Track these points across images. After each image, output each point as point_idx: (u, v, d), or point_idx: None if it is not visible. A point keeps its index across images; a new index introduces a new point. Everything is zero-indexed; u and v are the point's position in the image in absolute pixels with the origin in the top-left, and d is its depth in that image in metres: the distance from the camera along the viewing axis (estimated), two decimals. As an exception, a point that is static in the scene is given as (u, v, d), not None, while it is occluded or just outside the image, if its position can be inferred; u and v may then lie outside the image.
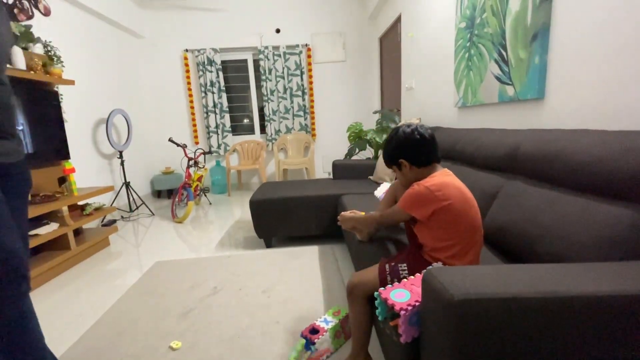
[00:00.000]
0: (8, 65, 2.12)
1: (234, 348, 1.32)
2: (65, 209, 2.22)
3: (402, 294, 0.83)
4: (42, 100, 2.39)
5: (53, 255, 2.13)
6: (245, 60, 4.61)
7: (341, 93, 4.62)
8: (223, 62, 4.51)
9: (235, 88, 4.72)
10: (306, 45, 4.41)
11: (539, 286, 0.63)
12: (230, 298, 1.71)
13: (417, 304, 0.79)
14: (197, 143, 4.63)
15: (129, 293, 1.82)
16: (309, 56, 4.44)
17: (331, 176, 2.92)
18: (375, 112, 3.48)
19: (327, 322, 1.31)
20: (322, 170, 4.73)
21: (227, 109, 4.54)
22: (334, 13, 4.44)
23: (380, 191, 1.56)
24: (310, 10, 4.41)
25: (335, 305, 1.56)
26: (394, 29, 3.60)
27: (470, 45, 1.94)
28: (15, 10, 2.42)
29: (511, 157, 1.32)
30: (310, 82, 4.52)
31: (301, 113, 4.54)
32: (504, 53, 1.61)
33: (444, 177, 1.02)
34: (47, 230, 2.07)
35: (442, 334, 0.67)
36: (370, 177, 2.74)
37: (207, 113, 4.48)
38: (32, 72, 2.28)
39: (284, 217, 2.29)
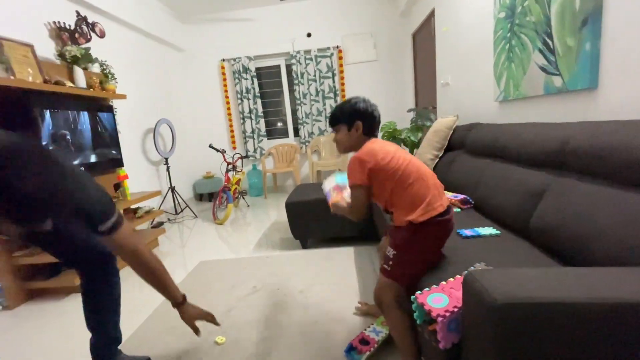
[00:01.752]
0: (70, 83, 2.36)
1: (275, 346, 1.37)
2: (121, 212, 2.43)
3: (440, 299, 0.81)
4: (100, 115, 2.64)
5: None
6: (278, 66, 4.73)
7: (374, 93, 4.57)
8: (257, 69, 4.67)
9: (269, 93, 4.86)
10: (337, 47, 4.43)
11: (590, 291, 0.59)
12: (269, 297, 1.76)
13: (455, 310, 0.76)
14: (234, 148, 4.83)
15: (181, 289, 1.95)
16: (340, 58, 4.46)
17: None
18: (409, 111, 3.40)
19: (376, 332, 1.29)
20: (355, 171, 4.71)
21: (262, 114, 4.69)
22: (363, 13, 4.42)
23: (328, 186, 1.48)
24: (340, 13, 4.43)
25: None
26: (428, 24, 3.50)
27: (511, 36, 1.83)
28: (76, 35, 2.70)
29: (559, 152, 1.23)
30: (342, 84, 4.53)
31: (334, 115, 4.55)
32: (550, 42, 1.51)
33: (372, 144, 1.14)
34: (106, 232, 2.27)
35: (484, 339, 0.64)
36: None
37: (243, 119, 4.66)
38: (91, 89, 2.53)
39: (319, 219, 2.32)
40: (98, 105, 2.65)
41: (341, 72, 4.49)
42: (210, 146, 3.76)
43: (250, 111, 4.62)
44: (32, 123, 2.02)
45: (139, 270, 1.10)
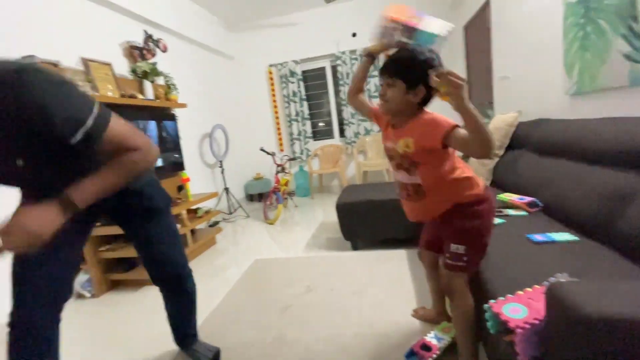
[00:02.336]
0: (141, 96, 2.62)
1: (332, 346, 1.39)
2: (184, 212, 2.64)
3: (518, 310, 0.77)
4: (165, 123, 2.89)
5: (176, 251, 2.54)
6: (324, 68, 4.78)
7: (422, 90, 4.42)
8: (303, 72, 4.76)
9: (315, 95, 4.94)
10: (383, 45, 4.35)
11: None
12: (323, 297, 1.80)
13: (536, 322, 0.72)
14: (282, 150, 4.98)
15: (236, 287, 2.07)
16: (386, 56, 4.37)
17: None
18: (462, 108, 3.23)
19: (438, 339, 1.26)
20: (403, 171, 4.60)
21: (308, 117, 4.77)
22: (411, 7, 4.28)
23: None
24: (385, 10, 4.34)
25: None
26: (482, 15, 3.30)
27: (586, 22, 1.66)
28: (144, 52, 2.98)
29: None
30: (389, 82, 4.44)
31: (380, 114, 4.49)
32: (636, 26, 1.34)
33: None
34: (172, 230, 2.48)
35: (572, 356, 0.60)
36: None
37: (290, 122, 4.79)
38: (158, 100, 2.78)
39: (369, 220, 2.31)
40: (163, 114, 2.91)
41: (387, 70, 4.41)
42: (261, 149, 3.92)
43: (297, 114, 4.73)
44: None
45: (111, 162, 0.81)
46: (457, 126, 0.94)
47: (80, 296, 2.21)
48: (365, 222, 2.32)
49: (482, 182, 1.09)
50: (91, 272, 2.19)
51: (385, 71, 1.03)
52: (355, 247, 2.45)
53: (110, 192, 0.81)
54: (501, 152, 2.21)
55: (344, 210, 2.34)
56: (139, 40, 2.98)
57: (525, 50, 2.41)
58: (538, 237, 1.24)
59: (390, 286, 1.82)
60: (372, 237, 2.43)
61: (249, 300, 1.87)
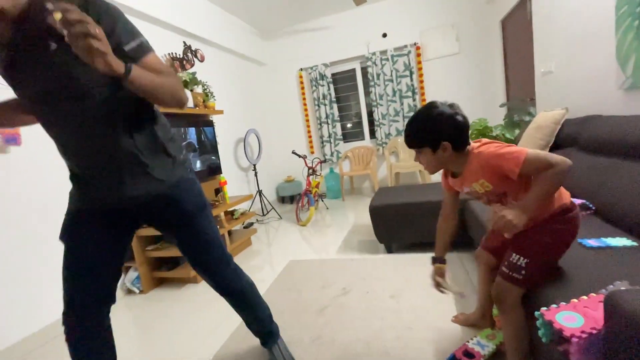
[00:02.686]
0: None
1: (372, 348, 1.39)
2: (222, 214, 2.76)
3: (573, 318, 0.73)
4: (203, 129, 3.04)
5: (215, 251, 2.66)
6: (354, 70, 4.78)
7: (457, 88, 4.29)
8: (333, 74, 4.79)
9: (345, 97, 4.95)
10: (415, 44, 4.28)
11: None
12: (359, 300, 1.80)
13: (594, 331, 0.68)
14: (312, 152, 5.03)
15: (273, 287, 2.13)
16: (418, 55, 4.30)
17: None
18: (502, 105, 3.10)
19: (482, 345, 1.22)
20: (438, 172, 4.47)
21: (338, 119, 4.80)
22: (443, 4, 4.18)
23: None
24: (416, 8, 4.27)
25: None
26: (522, 7, 3.15)
27: (642, 10, 1.54)
28: (184, 62, 3.16)
29: None
30: (421, 81, 4.35)
31: (412, 114, 4.41)
32: (703, 12, 1.23)
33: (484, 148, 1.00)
34: (212, 231, 2.60)
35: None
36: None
37: (320, 124, 4.83)
38: (197, 107, 2.93)
39: (404, 223, 2.28)
40: (202, 121, 3.06)
41: (420, 69, 4.33)
42: (293, 152, 4.00)
43: (327, 116, 4.77)
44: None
45: (162, 71, 0.86)
46: (526, 153, 0.91)
47: (130, 292, 2.38)
48: (400, 225, 2.30)
49: (567, 192, 1.03)
50: (140, 270, 2.35)
51: (408, 145, 1.08)
52: (389, 250, 2.42)
53: (156, 95, 0.83)
54: (546, 151, 2.09)
55: (377, 214, 2.33)
56: (179, 51, 3.16)
57: (571, 43, 2.27)
58: (592, 242, 1.17)
59: (427, 290, 1.77)
60: (407, 240, 2.39)
61: (286, 301, 1.91)
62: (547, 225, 0.98)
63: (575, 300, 0.78)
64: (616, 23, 1.74)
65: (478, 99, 4.20)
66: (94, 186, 0.96)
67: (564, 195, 1.02)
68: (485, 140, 1.05)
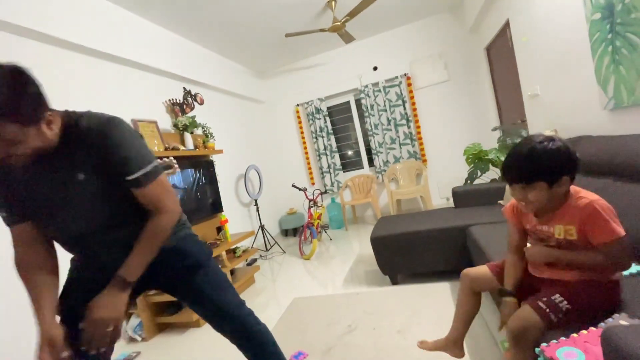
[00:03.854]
0: (182, 147, 2.87)
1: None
2: (223, 253, 2.74)
3: (573, 354, 0.72)
4: (203, 169, 3.11)
5: (218, 292, 2.62)
6: (348, 102, 4.94)
7: (450, 114, 4.40)
8: (328, 107, 4.95)
9: (341, 128, 5.07)
10: (405, 74, 4.45)
11: None
12: (366, 337, 1.75)
13: None
14: (312, 183, 5.08)
15: (277, 327, 2.07)
16: (409, 84, 4.45)
17: (451, 203, 2.74)
18: (494, 129, 3.16)
19: None
20: (438, 197, 4.48)
21: (336, 149, 4.89)
22: (429, 36, 4.39)
23: None
24: (404, 41, 4.49)
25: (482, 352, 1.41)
26: (503, 36, 3.31)
27: (613, 37, 1.62)
28: (184, 106, 3.29)
29: None
30: (414, 109, 4.48)
31: (408, 141, 4.50)
32: (670, 37, 1.29)
33: (585, 193, 0.99)
34: (214, 272, 2.58)
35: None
36: (501, 202, 2.45)
37: (319, 156, 4.92)
38: (197, 149, 3.02)
39: (407, 253, 2.25)
40: (202, 161, 3.13)
41: (412, 97, 4.47)
42: (293, 185, 4.04)
43: (325, 148, 4.86)
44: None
45: (145, 233, 0.95)
46: (623, 237, 0.90)
47: (132, 340, 2.32)
48: (403, 255, 2.27)
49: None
50: (142, 316, 2.31)
51: (516, 178, 0.98)
52: (394, 282, 2.38)
53: (152, 258, 0.95)
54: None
55: (379, 245, 2.31)
56: (178, 96, 3.30)
57: (552, 67, 2.36)
58: None
59: (435, 323, 1.73)
60: (412, 270, 2.35)
61: (291, 341, 1.86)
62: (602, 289, 0.95)
63: (575, 335, 0.76)
64: (591, 49, 1.82)
65: (471, 124, 4.29)
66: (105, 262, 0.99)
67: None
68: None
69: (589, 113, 1.99)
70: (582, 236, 0.96)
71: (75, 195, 0.89)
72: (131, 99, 2.77)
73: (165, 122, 3.06)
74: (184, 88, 3.41)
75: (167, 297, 2.33)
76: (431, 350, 1.35)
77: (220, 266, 2.65)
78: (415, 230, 2.24)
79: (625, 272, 1.10)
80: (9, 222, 0.93)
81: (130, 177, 0.89)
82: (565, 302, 0.92)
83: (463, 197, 2.67)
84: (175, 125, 3.02)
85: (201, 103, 3.60)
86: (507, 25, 3.08)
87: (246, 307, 1.21)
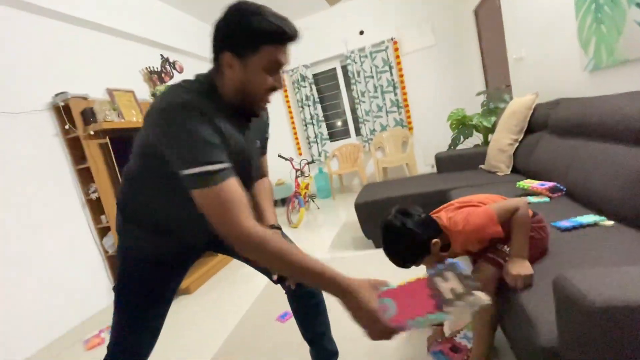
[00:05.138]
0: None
1: (361, 345, 1.42)
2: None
3: (385, 306, 0.70)
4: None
5: (206, 261, 2.67)
6: (334, 69, 4.81)
7: (436, 80, 4.34)
8: (314, 75, 4.82)
9: (328, 97, 4.98)
10: (392, 39, 4.32)
11: None
12: (348, 297, 1.83)
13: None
14: (300, 154, 5.05)
15: (264, 292, 2.14)
16: (396, 49, 4.34)
17: (435, 170, 2.79)
18: (479, 94, 3.15)
19: (468, 339, 1.23)
20: (423, 164, 4.53)
21: (323, 119, 4.82)
22: (417, -2, 4.22)
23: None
24: (391, 3, 4.31)
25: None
26: (491, -4, 3.20)
27: (597, -6, 1.59)
28: (163, 75, 3.16)
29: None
30: (401, 76, 4.40)
31: (395, 109, 4.46)
32: (650, -7, 1.28)
33: (455, 211, 1.12)
34: (202, 242, 2.61)
35: (582, 346, 0.60)
36: (482, 167, 2.50)
37: (305, 125, 4.86)
38: (178, 119, 2.93)
39: (390, 218, 2.31)
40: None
41: (398, 63, 4.37)
42: (279, 156, 4.01)
43: (312, 117, 4.79)
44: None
45: (264, 190, 1.06)
46: (494, 213, 1.02)
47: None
48: (386, 220, 2.33)
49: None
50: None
51: (406, 267, 1.11)
52: (378, 245, 2.46)
53: None
54: (520, 137, 2.14)
55: (363, 210, 2.36)
56: (156, 64, 3.15)
57: (538, 29, 2.32)
58: (564, 224, 1.20)
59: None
60: (394, 233, 2.43)
61: (278, 303, 1.93)
62: (533, 236, 1.04)
63: (402, 283, 0.74)
64: (575, 7, 1.79)
65: (458, 89, 4.25)
66: (188, 231, 0.96)
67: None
68: (443, 209, 1.17)
69: (570, 75, 2.00)
70: (485, 242, 1.08)
71: None
72: (106, 67, 2.64)
73: (143, 92, 2.94)
74: (162, 55, 3.25)
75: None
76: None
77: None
78: (398, 195, 2.28)
79: (588, 221, 1.17)
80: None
81: (181, 174, 0.71)
82: (508, 248, 1.03)
83: (446, 162, 2.71)
84: (154, 95, 2.91)
85: (180, 71, 3.45)
86: (495, -16, 2.98)
87: None
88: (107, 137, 2.28)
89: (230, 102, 0.83)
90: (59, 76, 2.27)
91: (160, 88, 2.91)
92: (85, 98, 2.26)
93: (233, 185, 0.72)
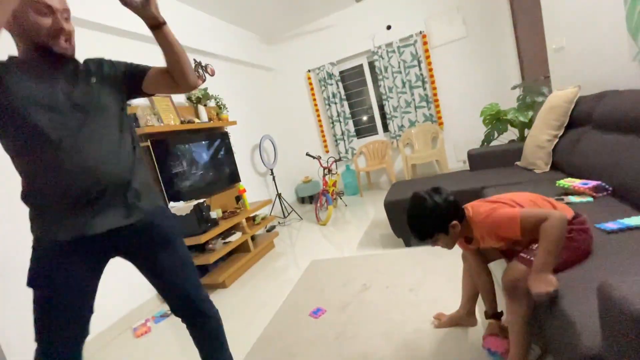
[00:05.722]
0: (197, 120, 2.92)
1: (392, 341, 1.44)
2: (243, 221, 2.88)
3: None
4: (219, 141, 3.17)
5: (240, 257, 2.79)
6: (361, 65, 4.78)
7: (468, 73, 4.20)
8: (341, 72, 4.81)
9: (355, 94, 4.96)
10: (420, 32, 4.22)
11: None
12: (379, 295, 1.85)
13: None
14: (327, 151, 5.09)
15: (297, 288, 2.21)
16: (424, 43, 4.23)
17: (467, 166, 2.71)
18: (514, 87, 3.01)
19: None
20: (455, 159, 4.41)
21: (350, 115, 4.82)
22: None
23: None
24: (420, -5, 4.20)
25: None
26: (527, -17, 3.04)
27: (649, -22, 1.47)
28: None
29: None
30: (430, 70, 4.29)
31: (424, 104, 4.36)
32: None
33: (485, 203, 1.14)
34: (236, 238, 2.73)
35: (627, 355, 0.59)
36: (518, 163, 2.41)
37: (332, 122, 4.88)
38: (211, 121, 3.06)
39: (420, 216, 2.29)
40: (217, 133, 3.19)
41: (427, 57, 4.26)
42: (307, 154, 4.07)
43: (339, 114, 4.80)
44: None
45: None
46: (519, 216, 1.01)
47: (166, 300, 2.55)
48: (416, 218, 2.31)
49: (567, 208, 1.12)
50: (173, 279, 2.51)
51: (421, 240, 1.16)
52: (408, 244, 2.45)
53: (181, 57, 1.08)
54: (560, 133, 2.04)
55: (392, 209, 2.36)
56: (190, 69, 3.30)
57: (579, 16, 2.18)
58: (610, 225, 1.14)
59: (445, 282, 1.80)
60: (425, 232, 2.40)
61: (311, 299, 2.00)
62: (571, 238, 1.00)
63: None
64: (624, -7, 1.67)
65: (490, 82, 4.08)
66: (81, 212, 0.94)
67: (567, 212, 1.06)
68: (475, 203, 1.17)
69: (616, 65, 1.87)
70: (506, 242, 1.11)
71: None
72: (144, 74, 2.80)
73: (179, 96, 3.10)
74: (194, 60, 3.39)
75: (195, 260, 2.49)
76: (447, 326, 1.45)
77: (240, 233, 2.80)
78: (429, 194, 2.25)
79: (636, 223, 1.11)
80: None
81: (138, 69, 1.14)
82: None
83: (479, 159, 2.63)
84: (189, 99, 3.05)
85: (212, 74, 3.58)
86: (532, -30, 2.82)
87: (207, 300, 1.20)
88: (148, 140, 2.43)
89: (27, 54, 0.93)
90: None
91: (194, 92, 3.04)
92: (129, 104, 2.42)
93: None
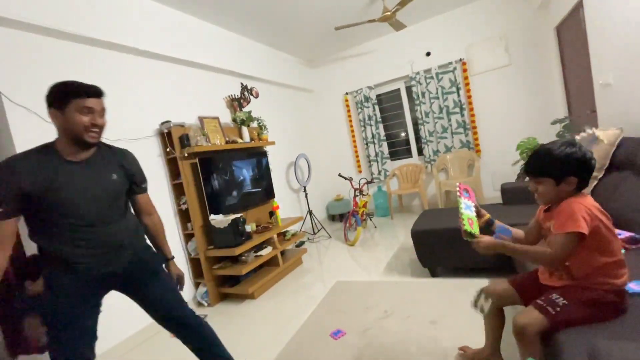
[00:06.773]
0: (240, 140, 3.18)
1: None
2: (275, 236, 3.05)
3: None
4: (258, 159, 3.41)
5: (270, 270, 2.95)
6: (398, 89, 4.86)
7: (508, 101, 4.11)
8: (377, 95, 4.93)
9: (390, 116, 5.03)
10: (460, 60, 4.23)
11: None
12: (399, 324, 1.89)
13: None
14: (360, 172, 5.18)
15: (320, 306, 2.30)
16: (464, 70, 4.23)
17: (500, 199, 2.67)
18: (554, 122, 2.92)
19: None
20: (492, 188, 4.28)
21: (384, 138, 4.89)
22: (489, 16, 4.08)
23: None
24: (461, 23, 4.23)
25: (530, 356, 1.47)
26: (575, 14, 2.98)
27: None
28: (242, 100, 3.59)
29: None
30: (469, 97, 4.26)
31: (461, 130, 4.33)
32: None
33: (588, 200, 1.07)
34: (267, 252, 2.90)
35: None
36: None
37: (367, 144, 4.97)
38: (253, 141, 3.31)
39: (448, 248, 2.29)
40: (257, 152, 3.43)
41: (467, 84, 4.25)
42: (340, 175, 4.20)
43: (373, 136, 4.89)
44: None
45: (152, 226, 1.47)
46: (573, 233, 1.00)
47: (200, 304, 2.76)
48: (443, 250, 2.32)
49: (625, 275, 1.06)
50: (207, 286, 2.73)
51: (531, 174, 1.13)
52: (434, 274, 2.45)
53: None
54: (600, 175, 1.97)
55: (419, 238, 2.38)
56: (237, 92, 3.60)
57: (628, 53, 2.12)
58: (634, 287, 1.09)
59: (469, 317, 1.79)
60: (451, 264, 2.40)
61: (332, 320, 2.08)
62: (595, 295, 1.02)
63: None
64: (672, 38, 1.63)
65: (532, 114, 3.97)
66: (96, 261, 1.23)
67: (621, 277, 1.05)
68: (589, 198, 1.10)
69: (664, 109, 1.79)
70: (554, 225, 1.09)
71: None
72: (197, 98, 3.13)
73: (226, 117, 3.40)
74: (241, 84, 3.70)
75: (228, 271, 2.70)
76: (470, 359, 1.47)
77: (271, 247, 2.96)
78: (456, 226, 2.26)
79: (636, 288, 1.08)
80: None
81: (143, 185, 1.43)
82: (561, 298, 1.04)
83: (512, 193, 2.58)
84: (234, 120, 3.34)
85: (256, 96, 3.87)
86: (580, 3, 2.77)
87: (192, 313, 1.46)
88: (196, 158, 2.71)
89: (66, 146, 1.17)
90: (163, 107, 2.77)
91: (240, 114, 3.32)
92: (182, 125, 2.72)
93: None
